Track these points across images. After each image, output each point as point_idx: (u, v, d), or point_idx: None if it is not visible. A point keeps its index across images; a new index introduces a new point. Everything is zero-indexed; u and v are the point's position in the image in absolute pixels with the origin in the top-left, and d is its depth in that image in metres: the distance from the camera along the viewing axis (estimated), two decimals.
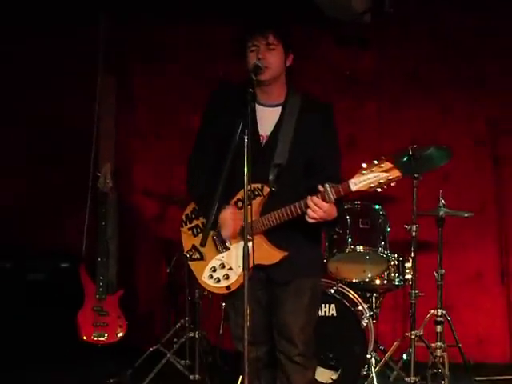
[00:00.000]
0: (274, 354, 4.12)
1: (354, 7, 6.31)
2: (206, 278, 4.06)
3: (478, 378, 5.97)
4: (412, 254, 5.57)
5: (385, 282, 5.82)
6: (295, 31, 4.15)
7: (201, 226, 4.07)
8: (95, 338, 6.17)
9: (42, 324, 6.34)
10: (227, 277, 4.01)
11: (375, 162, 3.73)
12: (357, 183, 3.74)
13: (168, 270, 6.50)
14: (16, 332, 6.32)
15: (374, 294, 5.90)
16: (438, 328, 5.72)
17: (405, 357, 5.72)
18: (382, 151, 3.79)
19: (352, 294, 5.67)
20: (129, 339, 6.26)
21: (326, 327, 5.10)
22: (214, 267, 4.05)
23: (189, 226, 4.14)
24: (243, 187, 3.71)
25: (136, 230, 7.20)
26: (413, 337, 5.50)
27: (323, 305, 5.40)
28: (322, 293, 4.69)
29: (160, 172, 7.08)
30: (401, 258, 5.80)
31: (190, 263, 4.12)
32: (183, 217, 4.16)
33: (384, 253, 5.74)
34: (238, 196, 3.96)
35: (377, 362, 5.62)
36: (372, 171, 3.72)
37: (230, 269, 4.00)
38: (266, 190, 3.94)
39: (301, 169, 4.02)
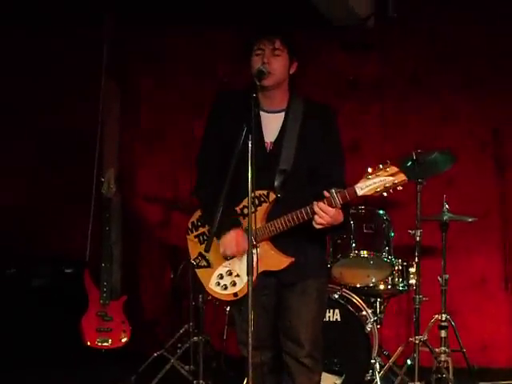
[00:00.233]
0: (280, 359, 4.11)
1: (358, 12, 6.33)
2: (213, 286, 4.06)
3: (482, 383, 5.96)
4: (416, 259, 5.57)
5: (389, 286, 5.81)
6: (298, 36, 4.14)
7: (207, 233, 4.06)
8: (99, 344, 6.18)
9: (45, 329, 6.34)
10: (234, 283, 4.01)
11: (380, 166, 3.73)
12: (363, 188, 3.74)
13: (172, 276, 6.50)
14: (20, 337, 6.32)
15: (378, 299, 5.89)
16: (442, 333, 5.71)
17: (409, 362, 5.69)
18: (385, 155, 3.78)
19: (356, 299, 5.66)
20: (133, 344, 6.28)
21: (330, 332, 5.08)
22: (221, 274, 4.04)
23: (195, 233, 4.13)
24: (248, 193, 3.71)
25: (140, 235, 7.21)
26: (417, 342, 5.49)
27: (327, 310, 5.40)
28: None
29: (164, 176, 7.08)
30: (405, 263, 5.79)
31: (197, 271, 4.12)
32: (189, 224, 4.15)
33: (388, 258, 5.73)
34: (244, 203, 3.95)
35: (381, 367, 5.61)
36: (378, 175, 3.72)
37: (237, 275, 3.99)
38: (272, 196, 3.94)
39: (306, 174, 4.02)
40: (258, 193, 3.85)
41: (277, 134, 4.03)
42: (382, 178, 3.71)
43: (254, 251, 3.73)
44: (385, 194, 3.73)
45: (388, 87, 6.76)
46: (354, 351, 5.47)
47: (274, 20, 4.27)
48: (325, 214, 3.79)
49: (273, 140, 4.02)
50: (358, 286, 5.79)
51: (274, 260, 3.96)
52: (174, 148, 7.03)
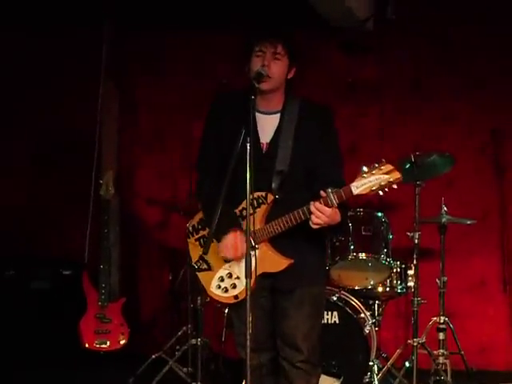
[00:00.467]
0: (278, 361, 4.12)
1: (357, 14, 6.32)
2: (214, 288, 4.06)
3: None
4: (414, 262, 5.58)
5: (387, 289, 5.81)
6: (298, 38, 4.14)
7: (207, 236, 4.05)
8: (97, 346, 6.17)
9: (44, 331, 6.34)
10: (235, 286, 4.01)
11: (376, 164, 3.74)
12: (358, 186, 3.75)
13: (170, 278, 6.49)
14: (19, 339, 6.31)
15: (377, 302, 5.89)
16: (441, 335, 5.72)
17: (407, 364, 5.69)
18: (384, 157, 3.77)
19: (354, 302, 5.66)
20: (131, 346, 6.27)
21: (328, 335, 5.09)
22: (221, 277, 4.05)
23: (196, 236, 4.14)
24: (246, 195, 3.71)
25: (139, 236, 7.20)
26: (415, 344, 5.49)
27: (325, 312, 5.40)
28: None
29: (163, 178, 7.07)
30: (403, 266, 5.79)
31: (198, 274, 4.13)
32: (190, 227, 4.17)
33: (386, 260, 5.73)
34: (243, 205, 3.93)
35: (379, 370, 5.61)
36: (373, 174, 3.73)
37: (237, 278, 4.00)
38: (270, 197, 3.95)
39: (303, 175, 4.02)
40: (256, 194, 3.85)
41: (272, 134, 4.03)
42: (377, 177, 3.72)
43: (253, 253, 3.74)
44: (380, 192, 3.74)
45: (387, 89, 6.76)
46: (352, 353, 5.47)
47: (277, 23, 4.26)
48: (321, 213, 3.79)
49: (268, 141, 4.03)
50: (357, 288, 5.79)
51: (273, 261, 3.96)
52: (173, 148, 7.03)
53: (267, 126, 4.03)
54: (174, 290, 6.53)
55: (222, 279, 4.05)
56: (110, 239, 6.47)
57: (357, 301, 5.68)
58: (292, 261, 3.95)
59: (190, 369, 5.95)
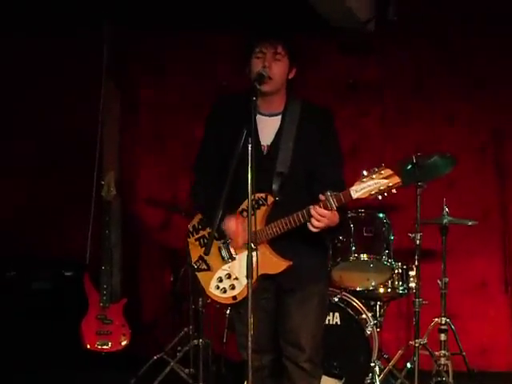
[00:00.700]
0: (280, 362, 4.12)
1: (357, 15, 6.32)
2: (212, 289, 4.07)
3: None
4: (416, 263, 5.57)
5: (389, 290, 5.82)
6: (298, 39, 4.14)
7: (207, 236, 4.06)
8: (99, 347, 6.17)
9: (45, 332, 6.33)
10: (233, 287, 4.01)
11: (375, 169, 3.74)
12: (358, 191, 3.75)
13: (172, 278, 6.49)
14: (20, 340, 6.31)
15: (378, 303, 5.90)
16: (442, 336, 5.72)
17: (409, 365, 5.70)
18: (385, 159, 3.79)
19: (356, 303, 5.67)
20: (132, 347, 6.27)
21: (329, 336, 5.05)
22: (220, 277, 4.05)
23: (196, 236, 4.15)
24: (247, 196, 3.71)
25: (140, 237, 7.20)
26: (417, 345, 5.48)
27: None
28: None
29: (165, 178, 7.07)
30: (405, 267, 5.79)
31: (197, 274, 4.13)
32: (190, 227, 4.17)
33: (388, 261, 5.74)
34: (243, 206, 3.95)
35: (381, 371, 5.62)
36: (372, 178, 3.73)
37: (236, 279, 4.00)
38: (270, 199, 3.95)
39: (303, 177, 4.02)
40: (256, 196, 3.85)
41: (273, 136, 4.03)
42: (376, 181, 3.72)
43: (254, 254, 3.74)
44: (379, 197, 3.74)
45: (388, 90, 6.76)
46: (353, 354, 5.49)
47: (277, 24, 4.26)
48: (321, 217, 3.80)
49: (269, 143, 4.02)
50: (358, 289, 5.79)
51: (272, 263, 3.96)
52: (174, 149, 7.02)
53: (268, 128, 4.03)
54: (175, 291, 6.52)
55: (220, 280, 4.05)
56: (111, 240, 6.48)
57: (358, 302, 5.68)
58: (291, 262, 3.95)
59: (191, 370, 5.95)
